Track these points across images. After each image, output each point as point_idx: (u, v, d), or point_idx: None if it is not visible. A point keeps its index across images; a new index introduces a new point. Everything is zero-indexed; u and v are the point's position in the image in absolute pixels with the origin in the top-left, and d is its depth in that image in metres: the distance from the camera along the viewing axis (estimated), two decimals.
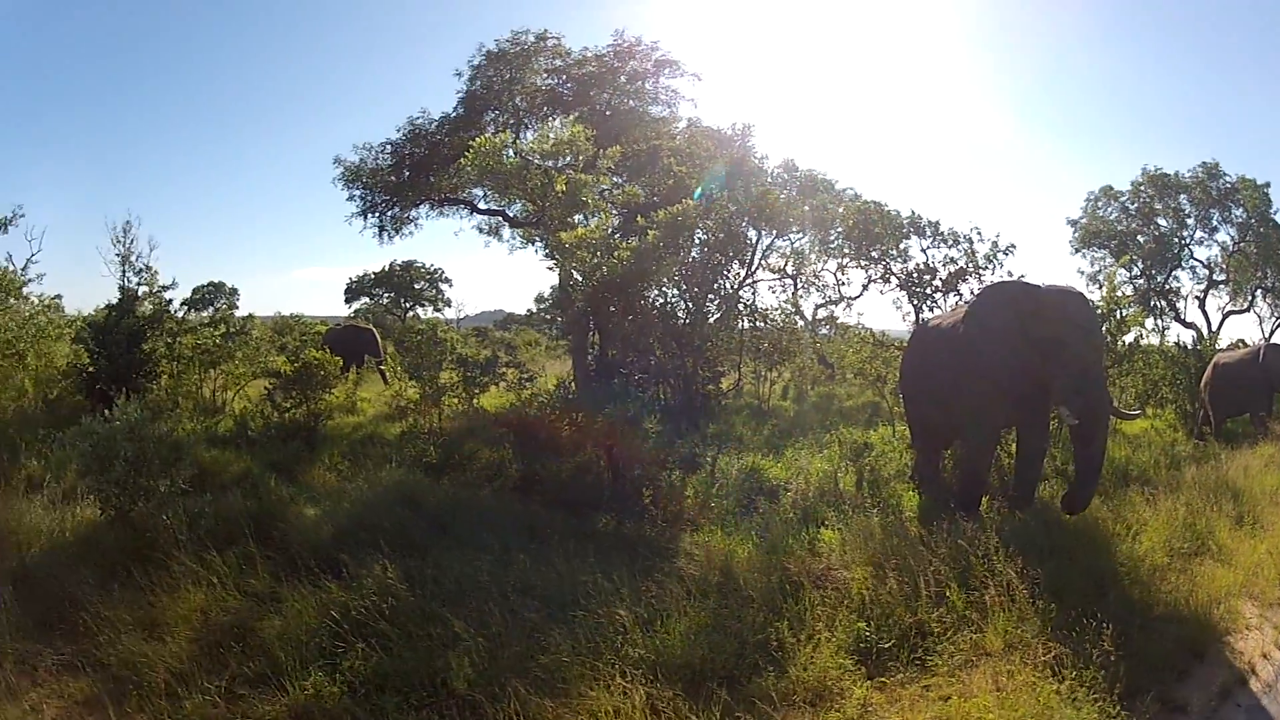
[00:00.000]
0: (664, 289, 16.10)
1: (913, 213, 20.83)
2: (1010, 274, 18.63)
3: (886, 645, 6.90)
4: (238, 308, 57.22)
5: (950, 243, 20.02)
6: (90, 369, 16.11)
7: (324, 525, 10.19)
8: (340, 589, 7.86)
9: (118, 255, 17.09)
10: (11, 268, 18.08)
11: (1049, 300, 10.68)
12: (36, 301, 19.15)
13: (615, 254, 12.27)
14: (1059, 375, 10.17)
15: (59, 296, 20.53)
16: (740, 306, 20.30)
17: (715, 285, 18.65)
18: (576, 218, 13.64)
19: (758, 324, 21.21)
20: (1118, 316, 15.31)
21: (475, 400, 16.74)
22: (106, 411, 10.33)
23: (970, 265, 19.28)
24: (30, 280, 18.47)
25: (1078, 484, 10.45)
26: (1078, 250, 40.69)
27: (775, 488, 11.89)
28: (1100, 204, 40.48)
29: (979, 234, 19.69)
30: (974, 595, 7.45)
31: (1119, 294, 16.09)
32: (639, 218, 13.20)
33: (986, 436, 11.09)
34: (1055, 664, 6.37)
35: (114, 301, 17.13)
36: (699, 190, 13.81)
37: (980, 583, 7.54)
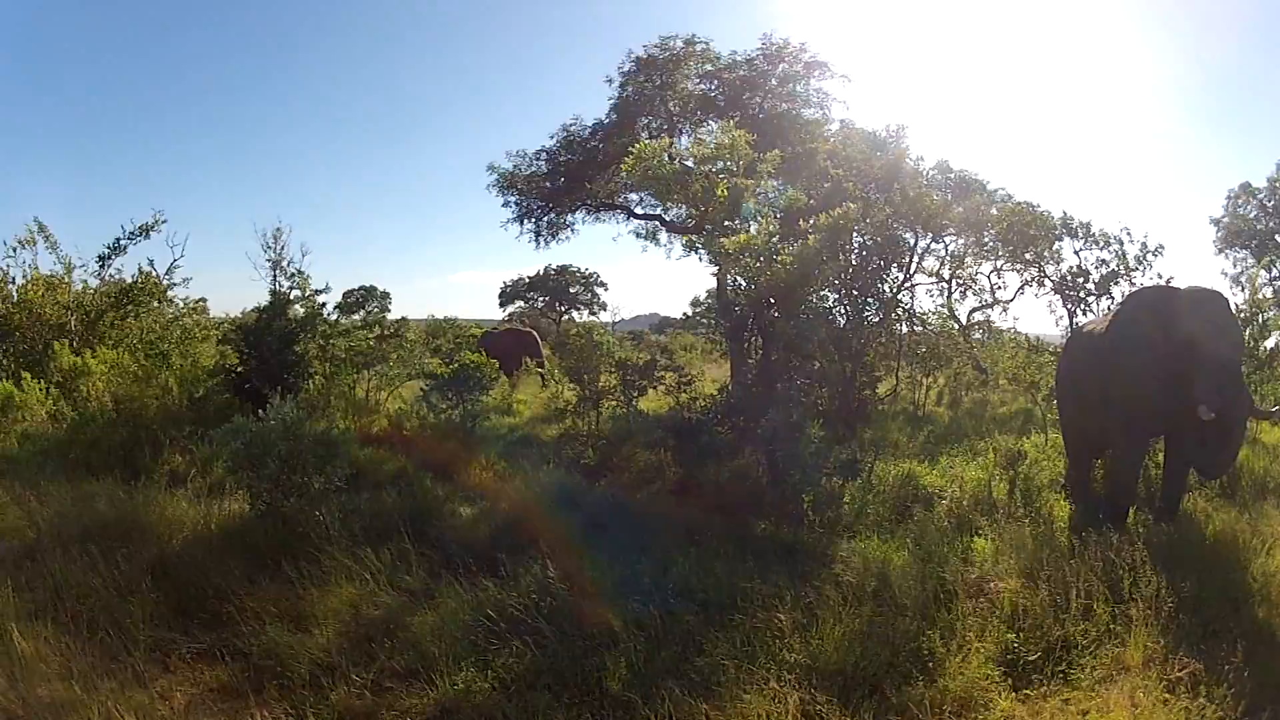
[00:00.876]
0: (823, 293, 16.25)
1: (1064, 214, 20.49)
2: (1160, 275, 18.31)
3: (1033, 657, 6.94)
4: (389, 311, 58.55)
5: (1101, 244, 19.68)
6: (240, 369, 16.64)
7: (481, 524, 10.55)
8: (497, 587, 8.06)
9: (268, 260, 17.70)
10: (154, 272, 18.93)
11: (1186, 302, 10.60)
12: (181, 304, 20.09)
13: (778, 259, 12.41)
14: (1198, 374, 10.10)
15: (203, 299, 21.41)
16: (899, 311, 20.29)
17: (874, 289, 18.71)
18: (737, 222, 13.80)
19: (915, 328, 21.15)
20: (1260, 320, 14.94)
21: (634, 403, 17.11)
22: (260, 411, 10.77)
23: (1121, 267, 18.95)
24: (176, 284, 19.35)
25: (1212, 452, 10.39)
26: (1221, 250, 38.88)
27: (930, 495, 11.86)
28: (1240, 202, 38.60)
29: (1129, 234, 19.36)
30: (1119, 609, 7.47)
31: (1260, 296, 15.67)
32: (801, 221, 13.29)
33: (1134, 447, 10.99)
34: (1190, 680, 6.38)
35: (265, 304, 17.69)
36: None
37: (1128, 596, 7.58)
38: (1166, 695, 6.24)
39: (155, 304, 19.20)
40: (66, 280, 18.38)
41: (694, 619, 7.58)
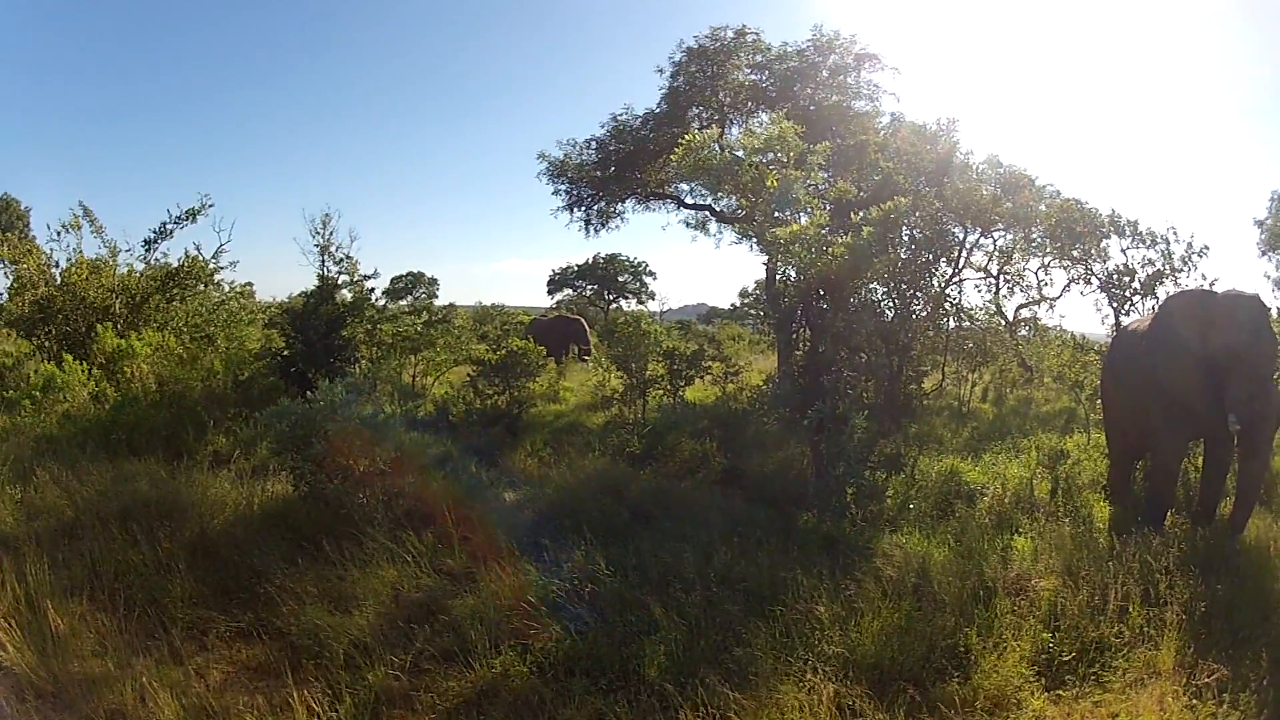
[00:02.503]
0: (872, 286, 16.24)
1: (1113, 211, 20.35)
2: (1204, 277, 18.18)
3: (1067, 658, 6.97)
4: (437, 297, 58.77)
5: (1148, 243, 19.51)
6: (286, 353, 16.77)
7: (525, 509, 10.66)
8: (539, 572, 8.13)
9: (317, 246, 17.74)
10: (200, 256, 19.02)
11: (1222, 307, 10.47)
12: (228, 288, 20.12)
13: (830, 250, 12.43)
14: (1230, 382, 10.06)
15: (250, 283, 21.51)
16: (946, 305, 20.22)
17: (922, 283, 18.68)
18: (788, 213, 13.83)
19: (963, 323, 21.05)
20: None
21: (680, 392, 17.22)
22: (308, 394, 10.92)
23: (1166, 267, 18.81)
24: (223, 268, 19.44)
25: (1235, 505, 10.25)
26: (1264, 253, 37.98)
27: (972, 492, 11.85)
28: None
29: (1175, 234, 19.18)
30: (1154, 612, 7.45)
31: None
32: (853, 214, 13.30)
33: (1173, 451, 10.89)
34: (1217, 686, 6.38)
35: (312, 289, 17.83)
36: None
37: (1163, 600, 7.57)
38: (1194, 701, 6.27)
39: (201, 287, 19.34)
40: (111, 263, 18.58)
41: (735, 609, 7.60)
